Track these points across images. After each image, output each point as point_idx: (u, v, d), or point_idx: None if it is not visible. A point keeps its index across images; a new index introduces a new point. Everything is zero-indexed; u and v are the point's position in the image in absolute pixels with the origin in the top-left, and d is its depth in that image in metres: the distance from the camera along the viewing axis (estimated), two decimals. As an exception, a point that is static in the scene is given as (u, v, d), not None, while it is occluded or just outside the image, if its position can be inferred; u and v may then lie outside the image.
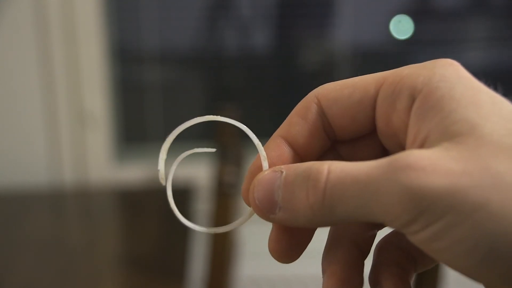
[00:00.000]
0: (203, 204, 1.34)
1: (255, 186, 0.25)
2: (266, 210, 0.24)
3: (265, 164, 0.26)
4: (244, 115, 1.19)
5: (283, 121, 0.27)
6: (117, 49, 1.51)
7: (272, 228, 0.26)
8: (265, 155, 0.26)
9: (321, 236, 0.27)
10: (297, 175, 0.23)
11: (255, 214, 0.25)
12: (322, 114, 0.26)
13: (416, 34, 1.55)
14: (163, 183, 0.26)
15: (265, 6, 1.56)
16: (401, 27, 1.55)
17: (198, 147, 0.27)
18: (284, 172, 0.24)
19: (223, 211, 0.83)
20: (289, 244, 0.26)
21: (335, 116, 0.26)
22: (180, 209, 0.26)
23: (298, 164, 0.24)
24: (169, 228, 1.14)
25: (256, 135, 0.26)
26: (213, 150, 0.27)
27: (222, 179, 0.83)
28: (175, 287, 0.92)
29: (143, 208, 1.28)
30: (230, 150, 1.02)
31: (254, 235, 1.43)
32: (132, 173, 1.51)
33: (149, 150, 1.57)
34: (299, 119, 0.26)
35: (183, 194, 1.29)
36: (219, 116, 0.26)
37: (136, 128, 1.60)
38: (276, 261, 0.26)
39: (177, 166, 0.27)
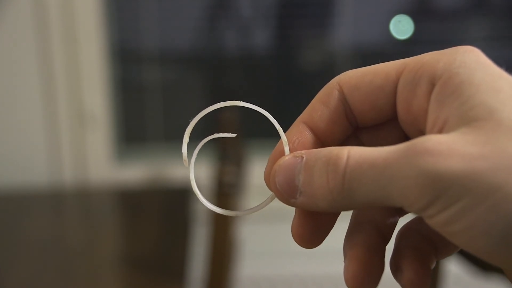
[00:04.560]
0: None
1: (276, 171, 0.25)
2: (286, 195, 0.25)
3: (286, 149, 0.26)
4: (244, 115, 1.19)
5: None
6: (117, 49, 1.51)
7: (295, 213, 0.26)
8: (286, 140, 0.26)
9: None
10: (317, 159, 0.24)
11: (276, 199, 0.26)
12: (343, 100, 0.26)
13: (416, 34, 1.55)
14: (186, 165, 0.27)
15: (265, 6, 1.56)
16: (401, 27, 1.55)
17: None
18: (304, 157, 0.24)
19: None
20: (311, 229, 0.26)
21: (357, 103, 0.26)
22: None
23: (319, 149, 0.24)
24: (169, 228, 1.14)
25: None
26: (234, 135, 0.28)
27: (222, 179, 0.83)
28: (175, 287, 0.92)
29: (143, 208, 1.28)
30: (230, 150, 1.02)
31: (254, 235, 1.43)
32: (132, 173, 1.51)
33: (149, 150, 1.57)
34: (321, 105, 0.26)
35: (183, 194, 1.29)
36: (241, 102, 0.27)
37: (136, 128, 1.59)
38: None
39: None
